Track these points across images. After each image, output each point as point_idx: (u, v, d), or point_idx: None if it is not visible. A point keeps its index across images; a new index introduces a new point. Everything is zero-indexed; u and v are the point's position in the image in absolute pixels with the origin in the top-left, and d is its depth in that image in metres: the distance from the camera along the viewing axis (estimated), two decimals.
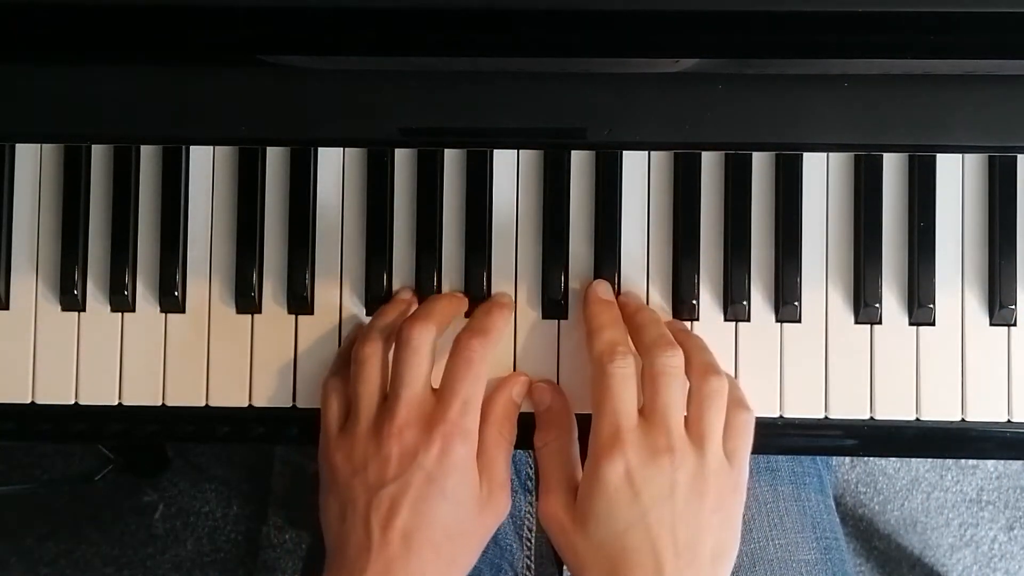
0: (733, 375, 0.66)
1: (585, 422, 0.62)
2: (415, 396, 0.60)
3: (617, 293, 0.66)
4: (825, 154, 0.66)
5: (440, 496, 0.59)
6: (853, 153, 0.66)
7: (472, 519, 0.61)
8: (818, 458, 0.84)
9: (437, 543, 0.59)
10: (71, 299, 0.67)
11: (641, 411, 0.60)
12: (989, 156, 0.66)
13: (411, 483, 0.59)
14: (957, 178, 0.66)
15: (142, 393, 0.67)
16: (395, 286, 0.67)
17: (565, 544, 0.61)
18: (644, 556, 0.58)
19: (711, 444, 0.60)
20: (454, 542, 0.60)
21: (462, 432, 0.60)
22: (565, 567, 0.82)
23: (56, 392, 0.67)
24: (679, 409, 0.60)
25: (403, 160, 0.67)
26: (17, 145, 0.67)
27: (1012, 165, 0.66)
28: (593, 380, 0.61)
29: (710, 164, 0.67)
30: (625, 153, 0.66)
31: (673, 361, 0.60)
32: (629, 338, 0.63)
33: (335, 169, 0.67)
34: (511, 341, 0.66)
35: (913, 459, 1.40)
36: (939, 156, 0.66)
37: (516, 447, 0.65)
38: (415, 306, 0.66)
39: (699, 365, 0.61)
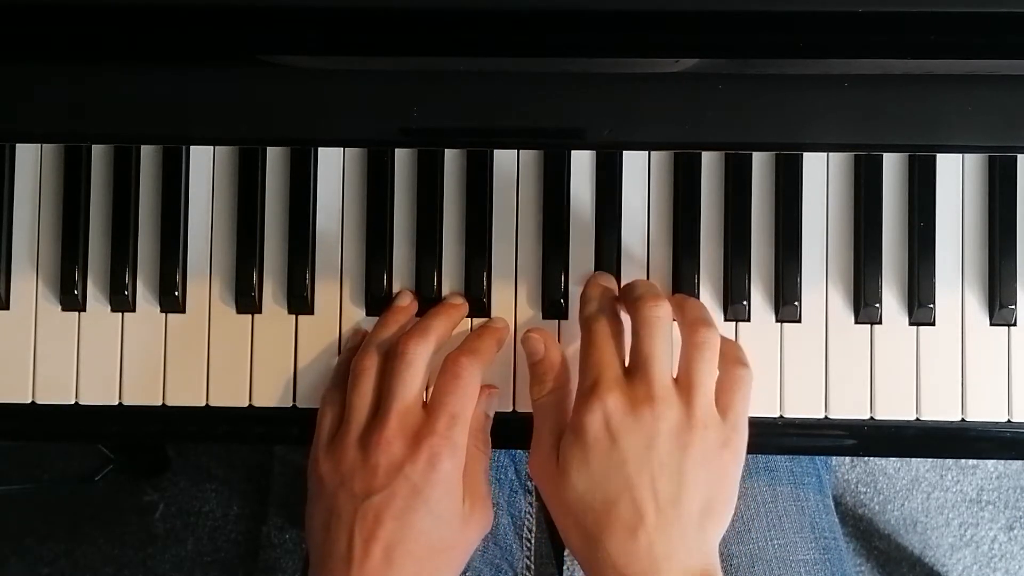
0: None
1: None
2: (406, 409, 0.61)
3: None
4: (825, 154, 0.66)
5: (425, 509, 0.59)
6: (853, 153, 0.66)
7: (455, 533, 0.61)
8: (817, 458, 0.84)
9: (419, 557, 0.59)
10: (71, 299, 0.67)
11: (627, 368, 0.60)
12: (989, 156, 0.66)
13: (396, 494, 0.59)
14: (957, 178, 0.66)
15: (142, 393, 0.67)
16: (395, 286, 0.67)
17: (550, 497, 0.61)
18: (624, 508, 0.57)
19: (699, 396, 0.59)
20: (436, 556, 0.60)
21: (450, 446, 0.60)
22: (565, 567, 0.83)
23: (56, 392, 0.67)
24: (663, 359, 0.59)
25: (403, 160, 0.67)
26: (17, 145, 0.67)
27: (1012, 165, 0.66)
28: (581, 340, 0.62)
29: (710, 164, 0.67)
30: (625, 153, 0.66)
31: (657, 312, 0.60)
32: (619, 309, 0.63)
33: (335, 169, 0.67)
34: (511, 341, 0.66)
35: (913, 459, 1.40)
36: (939, 156, 0.66)
37: (511, 447, 0.65)
38: (415, 310, 0.66)
39: (690, 319, 0.61)
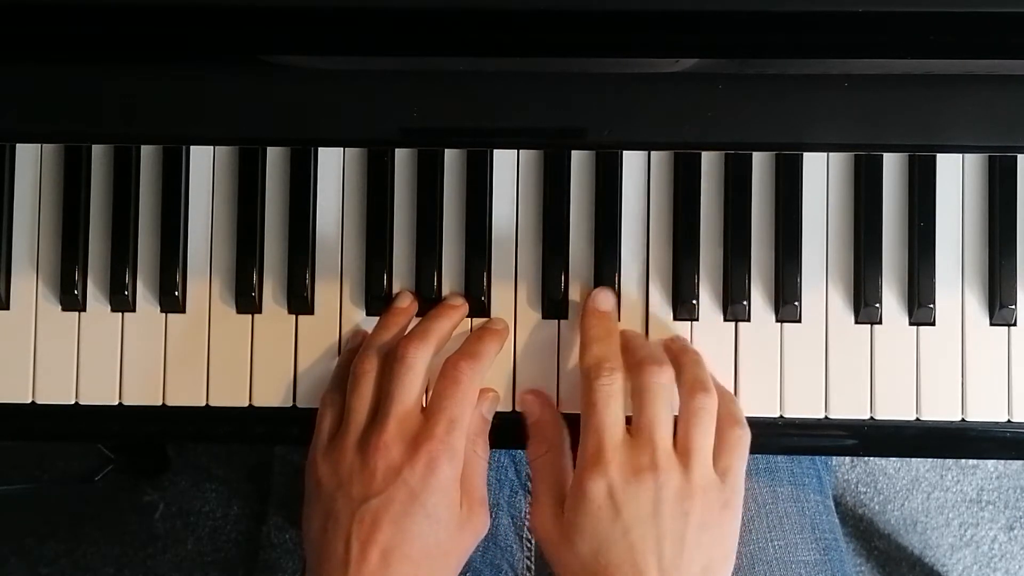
0: (733, 376, 0.66)
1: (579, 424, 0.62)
2: (405, 413, 0.61)
3: (618, 293, 0.66)
4: (825, 154, 0.66)
5: (422, 513, 0.59)
6: (853, 153, 0.66)
7: (452, 538, 0.61)
8: (817, 458, 0.84)
9: (416, 560, 0.59)
10: (71, 299, 0.67)
11: (629, 429, 0.60)
12: (989, 156, 0.66)
13: (394, 498, 0.59)
14: (957, 178, 0.66)
15: (142, 393, 0.67)
16: (395, 286, 0.67)
17: (553, 556, 0.62)
18: (627, 573, 0.58)
19: (697, 462, 0.59)
20: (433, 560, 0.60)
21: (448, 451, 0.60)
22: None
23: (56, 392, 0.67)
24: (665, 426, 0.60)
25: (403, 160, 0.67)
26: (17, 145, 0.67)
27: (1012, 165, 0.66)
28: (581, 395, 0.62)
29: (710, 164, 0.67)
30: (625, 153, 0.66)
31: (659, 378, 0.60)
32: (619, 354, 0.63)
33: (335, 169, 0.67)
34: (511, 341, 0.66)
35: (913, 459, 1.40)
36: (939, 156, 0.66)
37: (512, 447, 0.65)
38: (415, 311, 0.66)
39: (689, 382, 0.62)
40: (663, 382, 0.60)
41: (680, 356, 0.63)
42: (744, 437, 0.62)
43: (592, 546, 0.59)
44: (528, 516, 0.80)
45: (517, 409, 0.66)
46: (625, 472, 0.59)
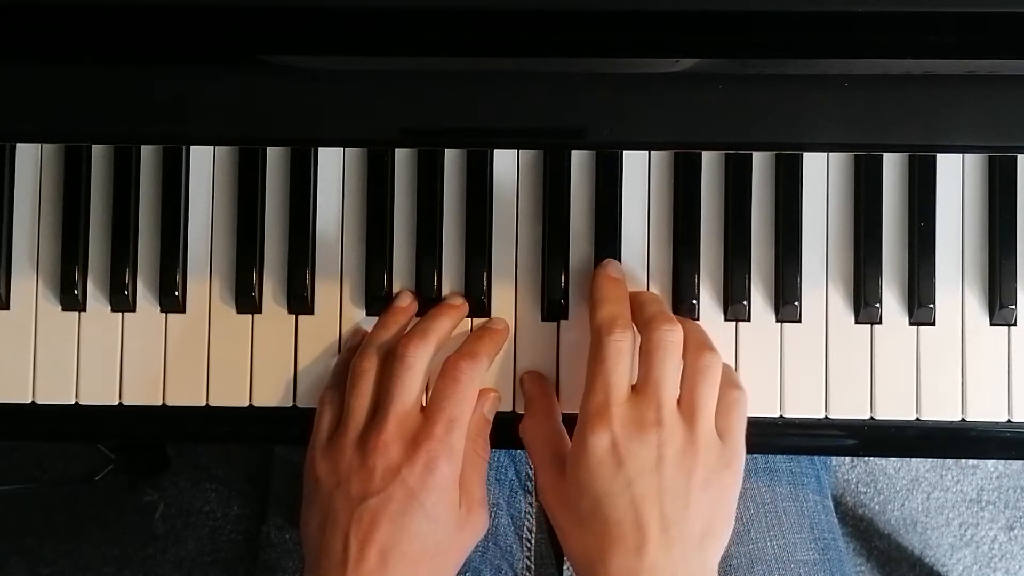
0: None
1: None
2: (404, 412, 0.61)
3: None
4: (825, 154, 0.66)
5: (421, 512, 0.59)
6: (853, 153, 0.66)
7: (450, 537, 0.61)
8: (816, 458, 0.84)
9: (414, 560, 0.59)
10: (71, 299, 0.67)
11: (634, 386, 0.60)
12: (989, 156, 0.66)
13: (393, 498, 0.59)
14: (957, 178, 0.66)
15: (142, 393, 0.67)
16: (395, 286, 0.67)
17: (555, 520, 0.61)
18: (627, 529, 0.57)
19: (702, 420, 0.59)
20: (431, 560, 0.60)
21: (448, 450, 0.60)
22: (565, 567, 0.83)
23: (56, 392, 0.67)
24: (672, 385, 0.60)
25: (403, 160, 0.67)
26: (17, 145, 0.67)
27: (1012, 165, 0.66)
28: (589, 352, 0.61)
29: (710, 164, 0.67)
30: (625, 153, 0.66)
31: (670, 336, 0.60)
32: (630, 315, 0.63)
33: (335, 169, 0.67)
34: (511, 341, 0.66)
35: (913, 459, 1.40)
36: (939, 156, 0.66)
37: (512, 447, 0.65)
38: (415, 310, 0.66)
39: (694, 343, 0.61)
40: (674, 340, 0.60)
41: (683, 322, 0.63)
42: (742, 399, 0.62)
43: (592, 502, 0.58)
44: (528, 515, 0.80)
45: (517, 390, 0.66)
46: (628, 427, 0.58)
